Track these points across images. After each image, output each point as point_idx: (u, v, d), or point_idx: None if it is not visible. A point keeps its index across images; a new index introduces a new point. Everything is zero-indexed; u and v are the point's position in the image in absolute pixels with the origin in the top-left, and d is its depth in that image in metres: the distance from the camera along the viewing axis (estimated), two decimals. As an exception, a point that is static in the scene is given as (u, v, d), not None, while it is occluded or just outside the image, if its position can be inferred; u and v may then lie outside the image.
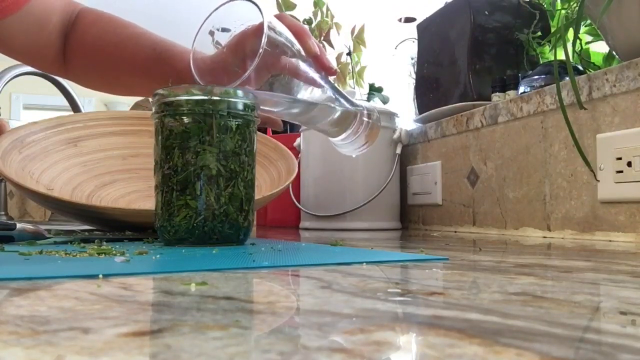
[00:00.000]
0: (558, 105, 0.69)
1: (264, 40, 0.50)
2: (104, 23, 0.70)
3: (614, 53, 0.74)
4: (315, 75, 0.58)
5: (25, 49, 0.69)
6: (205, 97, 0.49)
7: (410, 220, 1.12)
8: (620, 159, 0.63)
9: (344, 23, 1.46)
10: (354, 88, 1.42)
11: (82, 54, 0.70)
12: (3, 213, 1.51)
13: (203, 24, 0.58)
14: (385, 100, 1.44)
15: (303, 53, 0.56)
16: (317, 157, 1.09)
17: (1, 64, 1.28)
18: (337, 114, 0.62)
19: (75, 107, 1.44)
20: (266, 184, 0.81)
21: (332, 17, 1.44)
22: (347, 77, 1.40)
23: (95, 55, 0.69)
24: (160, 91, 0.50)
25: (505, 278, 0.29)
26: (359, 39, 1.43)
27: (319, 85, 0.58)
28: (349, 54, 1.44)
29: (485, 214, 0.88)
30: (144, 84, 0.67)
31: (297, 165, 0.80)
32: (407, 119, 1.28)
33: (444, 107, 0.99)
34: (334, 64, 0.61)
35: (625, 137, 0.62)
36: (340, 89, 0.63)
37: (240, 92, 0.51)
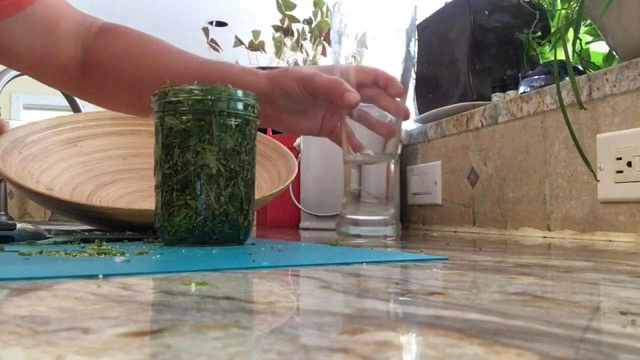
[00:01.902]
0: (558, 105, 0.69)
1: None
2: (137, 35, 0.67)
3: (614, 53, 0.73)
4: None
5: (29, 54, 0.65)
6: (205, 96, 0.49)
7: (410, 220, 1.12)
8: (620, 159, 0.63)
9: (344, 23, 1.45)
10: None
11: (112, 61, 0.66)
12: (3, 213, 1.51)
13: None
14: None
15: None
16: (317, 157, 1.09)
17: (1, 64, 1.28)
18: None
19: (75, 107, 1.44)
20: (266, 184, 0.81)
21: (332, 12, 1.43)
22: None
23: (127, 64, 0.66)
24: (160, 90, 0.50)
25: (505, 278, 0.29)
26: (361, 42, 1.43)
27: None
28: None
29: (485, 214, 0.88)
30: None
31: (297, 165, 0.80)
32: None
33: (444, 107, 0.99)
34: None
35: (625, 137, 0.62)
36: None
37: (240, 91, 0.51)
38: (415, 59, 1.20)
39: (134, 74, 0.65)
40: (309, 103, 0.63)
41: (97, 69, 0.67)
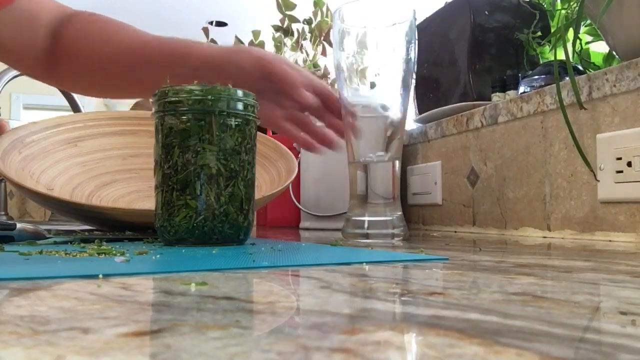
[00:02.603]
0: (558, 105, 0.69)
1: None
2: (104, 21, 0.69)
3: (614, 53, 0.73)
4: None
5: (12, 46, 0.67)
6: (205, 95, 0.49)
7: (410, 220, 1.12)
8: (620, 159, 0.63)
9: (344, 23, 1.45)
10: (357, 86, 1.42)
11: (78, 50, 0.68)
12: (3, 213, 1.51)
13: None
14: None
15: None
16: (317, 157, 1.09)
17: (1, 64, 1.28)
18: None
19: (75, 107, 1.44)
20: (266, 184, 0.81)
21: (332, 17, 1.44)
22: (353, 76, 1.40)
23: (94, 51, 0.68)
24: (160, 90, 0.50)
25: (505, 278, 0.29)
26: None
27: None
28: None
29: (485, 214, 0.88)
30: (146, 80, 0.66)
31: (297, 165, 0.80)
32: (407, 118, 1.28)
33: (444, 107, 0.99)
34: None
35: (625, 137, 0.62)
36: None
37: (240, 91, 0.51)
38: (415, 60, 1.20)
39: (102, 55, 0.67)
40: (258, 85, 0.62)
41: (70, 52, 0.69)
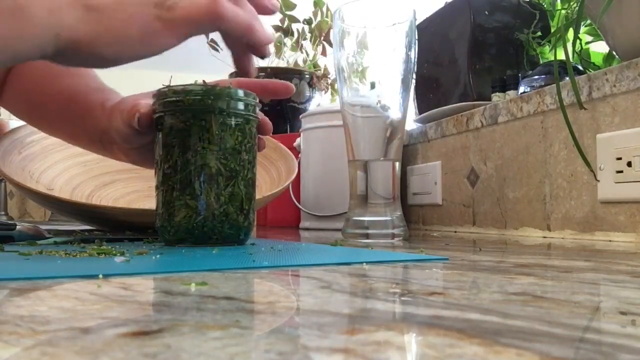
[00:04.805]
0: (558, 105, 0.69)
1: None
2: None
3: (614, 53, 0.73)
4: None
5: None
6: (205, 95, 0.49)
7: (410, 220, 1.12)
8: (620, 159, 0.63)
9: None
10: (357, 86, 1.42)
11: (19, 81, 0.62)
12: (3, 213, 1.52)
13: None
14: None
15: None
16: (317, 157, 1.09)
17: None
18: None
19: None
20: (266, 184, 0.81)
21: (332, 17, 1.44)
22: (353, 76, 1.41)
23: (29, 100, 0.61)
24: (160, 90, 0.50)
25: (505, 278, 0.29)
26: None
27: None
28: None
29: (485, 214, 0.88)
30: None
31: (297, 165, 0.80)
32: (407, 118, 1.28)
33: (444, 107, 0.99)
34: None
35: (625, 137, 0.62)
36: None
37: (240, 91, 0.51)
38: (415, 60, 1.19)
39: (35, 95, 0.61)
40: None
41: (11, 81, 0.63)
